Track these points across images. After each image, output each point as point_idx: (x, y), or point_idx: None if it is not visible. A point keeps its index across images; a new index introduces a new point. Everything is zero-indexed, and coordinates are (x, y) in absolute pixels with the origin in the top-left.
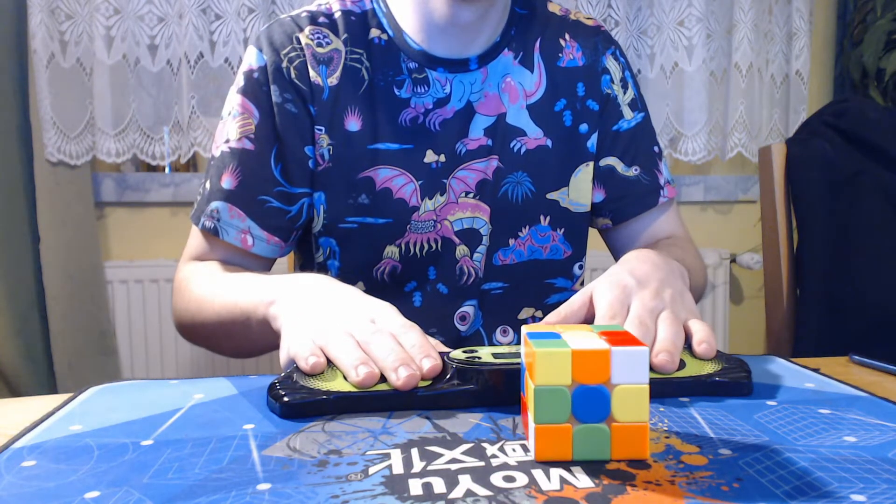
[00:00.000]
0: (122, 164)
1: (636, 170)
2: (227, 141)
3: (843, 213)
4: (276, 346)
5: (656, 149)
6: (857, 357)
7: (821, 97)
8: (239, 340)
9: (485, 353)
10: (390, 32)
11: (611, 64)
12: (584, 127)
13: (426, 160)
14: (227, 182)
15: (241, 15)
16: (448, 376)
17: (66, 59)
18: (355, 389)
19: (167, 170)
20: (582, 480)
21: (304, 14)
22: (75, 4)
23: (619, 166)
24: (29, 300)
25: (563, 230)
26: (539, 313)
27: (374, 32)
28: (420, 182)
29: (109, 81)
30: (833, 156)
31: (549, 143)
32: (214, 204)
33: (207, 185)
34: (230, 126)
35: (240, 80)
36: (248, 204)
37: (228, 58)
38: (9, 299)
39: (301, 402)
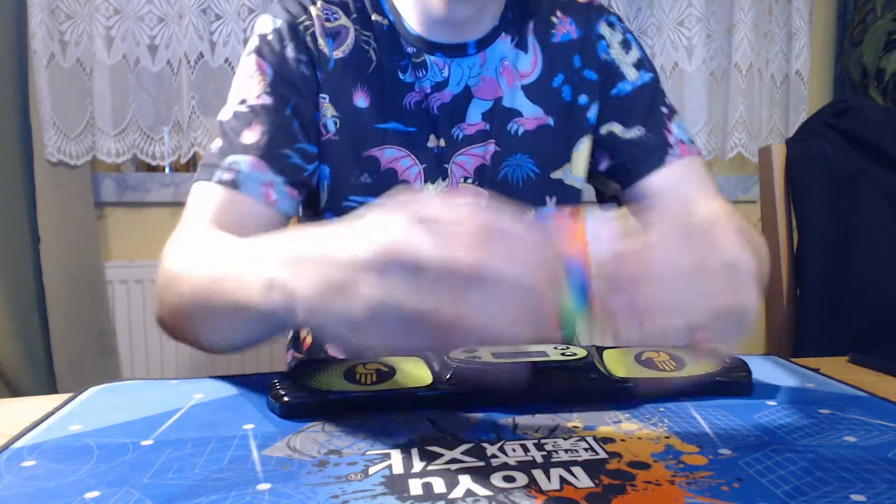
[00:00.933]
0: (122, 164)
1: (639, 129)
2: (244, 101)
3: (843, 213)
4: (265, 340)
5: (665, 109)
6: (857, 357)
7: (821, 97)
8: (218, 325)
9: (485, 353)
10: (391, 18)
11: (605, 30)
12: (583, 98)
13: (429, 144)
14: (247, 137)
15: (241, 15)
16: (448, 376)
17: (66, 59)
18: (355, 389)
19: (167, 170)
20: (582, 480)
21: None
22: (75, 4)
23: (618, 129)
24: (29, 300)
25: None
26: None
27: (376, 17)
28: (424, 166)
29: (109, 81)
30: (833, 156)
31: (550, 121)
32: (233, 157)
33: (220, 143)
34: (247, 86)
35: (253, 43)
36: (272, 157)
37: (228, 58)
38: (9, 299)
39: (301, 402)
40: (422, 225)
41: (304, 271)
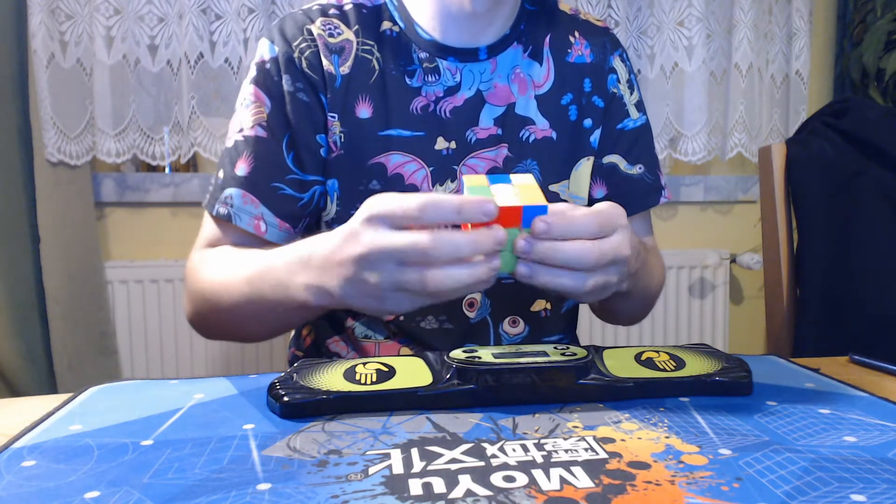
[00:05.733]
0: (122, 164)
1: (640, 168)
2: (241, 130)
3: (843, 213)
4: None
5: (655, 153)
6: (857, 357)
7: (821, 97)
8: (269, 325)
9: (485, 353)
10: (402, 25)
11: (618, 65)
12: (588, 122)
13: (437, 147)
14: (240, 169)
15: (241, 15)
16: (448, 376)
17: (66, 59)
18: (355, 389)
19: (167, 170)
20: (582, 480)
21: (316, 7)
22: (75, 4)
23: (622, 164)
24: (29, 300)
25: None
26: (549, 305)
27: (386, 25)
28: (431, 168)
29: (109, 81)
30: (833, 156)
31: (553, 135)
32: (228, 191)
33: (220, 173)
34: (243, 115)
35: (252, 71)
36: (262, 191)
37: (228, 58)
38: (9, 299)
39: (301, 402)
40: (379, 220)
41: (329, 275)
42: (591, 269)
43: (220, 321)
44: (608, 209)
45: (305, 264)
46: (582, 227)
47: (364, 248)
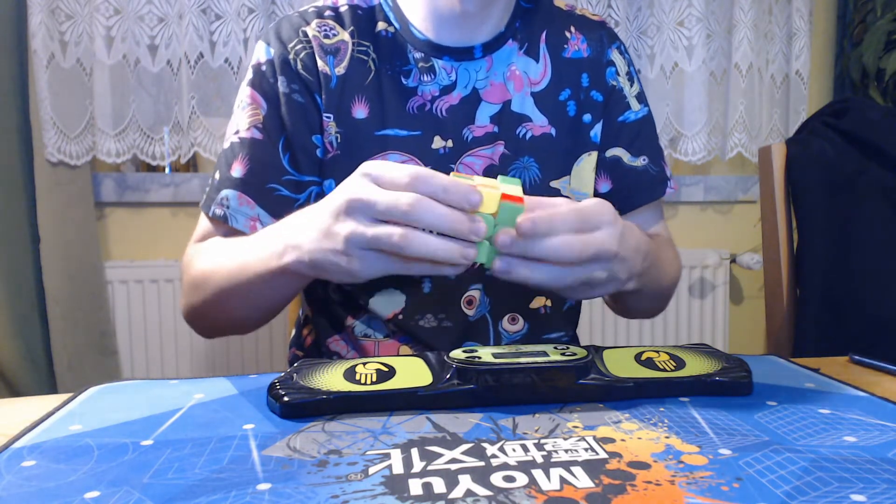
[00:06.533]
0: (122, 164)
1: (644, 160)
2: (237, 132)
3: (843, 213)
4: (293, 296)
5: (659, 144)
6: (857, 357)
7: (821, 97)
8: (253, 300)
9: (485, 353)
10: (397, 25)
11: (616, 57)
12: (587, 117)
13: (434, 146)
14: (236, 170)
15: (241, 15)
16: (448, 376)
17: (66, 59)
18: (355, 389)
19: (167, 170)
20: (582, 480)
21: (311, 9)
22: (75, 4)
23: (626, 157)
24: (29, 300)
25: None
26: (549, 302)
27: (381, 25)
28: (428, 167)
29: (109, 81)
30: (833, 156)
31: (553, 131)
32: (224, 192)
33: (217, 175)
34: (239, 117)
35: (249, 74)
36: (258, 192)
37: (228, 58)
38: (9, 299)
39: (301, 401)
40: (368, 177)
41: (303, 230)
42: (573, 264)
43: (209, 307)
44: (592, 205)
45: (284, 225)
46: (563, 222)
47: (343, 198)
